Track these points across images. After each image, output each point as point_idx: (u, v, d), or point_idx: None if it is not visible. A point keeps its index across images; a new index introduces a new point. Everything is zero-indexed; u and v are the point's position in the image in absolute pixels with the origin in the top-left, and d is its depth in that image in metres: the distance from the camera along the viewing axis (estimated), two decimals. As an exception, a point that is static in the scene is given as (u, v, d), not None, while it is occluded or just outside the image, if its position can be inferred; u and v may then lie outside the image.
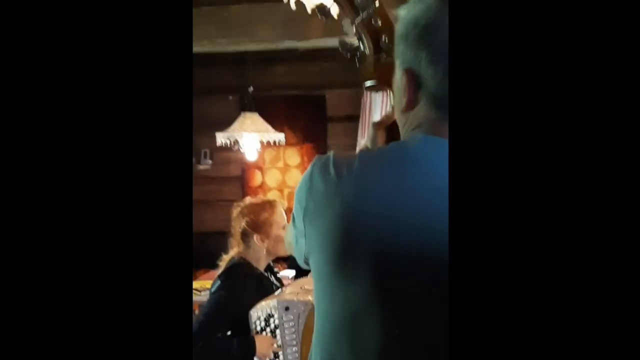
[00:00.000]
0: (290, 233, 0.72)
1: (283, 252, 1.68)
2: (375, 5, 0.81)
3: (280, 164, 3.31)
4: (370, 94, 3.08)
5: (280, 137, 2.85)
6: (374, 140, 0.87)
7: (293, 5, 1.73)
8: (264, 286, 1.60)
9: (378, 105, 3.11)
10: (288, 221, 1.72)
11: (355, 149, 3.29)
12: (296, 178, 3.26)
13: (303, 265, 0.71)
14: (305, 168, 0.66)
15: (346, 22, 0.83)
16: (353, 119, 3.14)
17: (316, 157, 0.66)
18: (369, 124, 3.08)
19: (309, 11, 1.65)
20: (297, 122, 3.25)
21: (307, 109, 3.25)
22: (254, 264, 1.64)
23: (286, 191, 3.30)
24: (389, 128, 0.88)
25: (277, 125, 2.99)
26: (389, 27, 0.85)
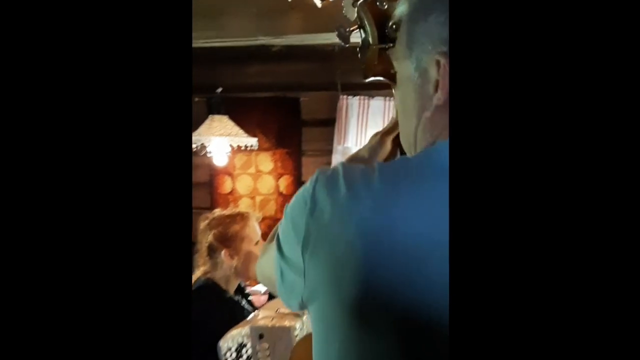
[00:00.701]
0: (270, 265, 0.56)
1: (254, 273, 1.51)
2: (381, -18, 0.65)
3: (252, 170, 3.12)
4: (347, 97, 2.95)
5: (252, 141, 2.67)
6: (375, 149, 0.72)
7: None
8: (234, 311, 1.43)
9: (355, 110, 3.00)
10: (263, 238, 1.56)
11: (331, 154, 3.18)
12: (269, 184, 3.09)
13: (293, 309, 0.57)
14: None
15: (347, 3, 0.67)
16: (329, 123, 3.00)
17: (318, 170, 0.52)
18: (345, 128, 2.96)
19: (290, -1, 1.48)
20: (270, 125, 3.07)
21: (280, 112, 3.09)
22: (223, 285, 1.46)
23: (258, 198, 3.12)
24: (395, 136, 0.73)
25: (248, 129, 2.82)
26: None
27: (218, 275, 1.45)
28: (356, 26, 0.71)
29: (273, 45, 2.57)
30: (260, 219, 1.53)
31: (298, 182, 3.06)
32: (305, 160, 3.07)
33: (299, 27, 1.95)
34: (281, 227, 0.55)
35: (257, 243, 1.49)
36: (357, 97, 2.95)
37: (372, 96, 2.92)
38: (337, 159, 3.00)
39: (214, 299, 1.41)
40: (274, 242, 0.56)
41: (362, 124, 2.96)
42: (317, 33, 1.92)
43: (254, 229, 1.50)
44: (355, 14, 0.68)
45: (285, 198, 3.07)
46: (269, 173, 3.08)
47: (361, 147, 0.74)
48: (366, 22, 0.69)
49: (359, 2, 0.66)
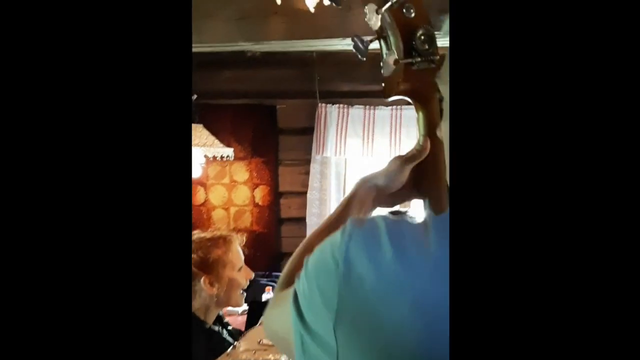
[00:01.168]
0: (286, 325, 0.45)
1: (236, 301, 1.38)
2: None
3: (226, 180, 2.97)
4: (326, 105, 2.85)
5: (228, 152, 2.54)
6: (395, 176, 0.61)
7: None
8: (214, 344, 1.29)
9: (334, 118, 2.90)
10: (246, 262, 1.43)
11: (309, 164, 3.07)
12: (244, 195, 2.95)
13: None
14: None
15: (370, 9, 0.56)
16: (307, 131, 2.89)
17: (350, 222, 0.42)
18: (324, 137, 2.85)
19: (278, 1, 1.35)
20: (245, 134, 2.93)
21: (256, 119, 2.96)
22: (201, 315, 1.32)
23: (233, 210, 2.97)
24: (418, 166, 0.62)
25: (222, 137, 2.68)
26: (425, 20, 0.59)
27: (196, 305, 1.31)
28: (376, 37, 0.61)
29: (248, 51, 2.44)
30: (243, 243, 1.40)
31: (275, 193, 2.94)
32: (282, 170, 2.96)
33: (281, 33, 1.84)
34: (302, 288, 0.44)
35: (240, 269, 1.36)
36: (336, 105, 2.85)
37: (352, 104, 2.83)
38: (315, 168, 2.89)
39: (192, 331, 1.27)
40: (291, 302, 0.44)
41: (341, 132, 2.86)
42: (299, 39, 1.81)
43: (237, 253, 1.37)
44: (379, 23, 0.57)
45: (261, 209, 2.94)
46: (244, 183, 2.94)
47: (380, 171, 0.63)
48: (390, 33, 0.58)
49: (383, 8, 0.56)
